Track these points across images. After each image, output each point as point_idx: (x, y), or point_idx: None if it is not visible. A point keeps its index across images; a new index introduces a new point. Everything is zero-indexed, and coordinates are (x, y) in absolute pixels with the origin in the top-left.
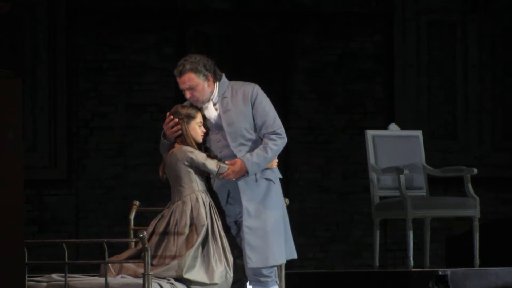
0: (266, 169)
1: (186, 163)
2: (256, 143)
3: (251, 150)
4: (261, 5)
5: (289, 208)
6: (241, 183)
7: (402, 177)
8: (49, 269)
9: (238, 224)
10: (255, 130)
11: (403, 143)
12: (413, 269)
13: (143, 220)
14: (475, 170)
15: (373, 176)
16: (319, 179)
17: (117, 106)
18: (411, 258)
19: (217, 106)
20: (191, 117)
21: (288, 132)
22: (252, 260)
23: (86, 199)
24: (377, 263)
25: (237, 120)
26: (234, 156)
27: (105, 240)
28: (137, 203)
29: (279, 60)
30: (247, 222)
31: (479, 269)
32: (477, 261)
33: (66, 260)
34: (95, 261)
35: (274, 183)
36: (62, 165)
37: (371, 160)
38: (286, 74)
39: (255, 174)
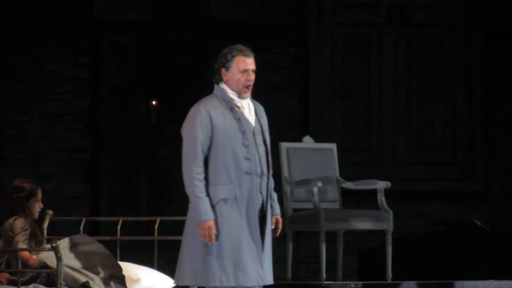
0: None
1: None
2: None
3: None
4: (176, 17)
5: None
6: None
7: (315, 189)
8: None
9: None
10: None
11: (317, 155)
12: (326, 282)
13: (56, 229)
14: (389, 184)
15: (287, 188)
16: None
17: (32, 116)
18: (324, 271)
19: (251, 108)
20: (32, 195)
21: None
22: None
23: (0, 208)
24: (289, 275)
25: (265, 130)
26: (268, 162)
27: (18, 249)
28: (50, 212)
29: (195, 72)
30: (267, 239)
31: (391, 283)
32: (390, 274)
33: None
34: (7, 270)
35: None
36: None
37: (285, 172)
38: (201, 85)
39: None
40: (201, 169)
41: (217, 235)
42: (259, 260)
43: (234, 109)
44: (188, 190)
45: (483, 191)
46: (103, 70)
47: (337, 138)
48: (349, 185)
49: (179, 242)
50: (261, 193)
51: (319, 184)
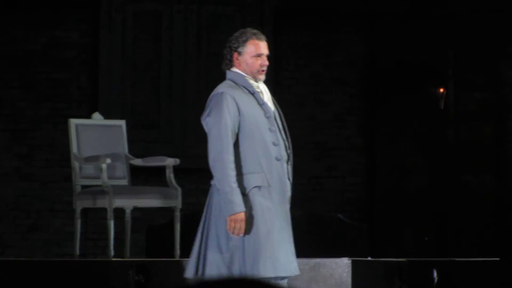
0: None
1: None
2: None
3: None
4: None
5: None
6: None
7: (104, 166)
8: None
9: None
10: None
11: (107, 132)
12: (114, 259)
13: None
14: (177, 161)
15: (76, 164)
16: (21, 167)
17: None
18: (112, 248)
19: (267, 92)
20: None
21: None
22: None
23: None
24: (77, 252)
25: (281, 113)
26: (286, 151)
27: None
28: None
29: None
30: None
31: (180, 260)
32: (178, 251)
33: None
34: None
35: None
36: None
37: (74, 148)
38: None
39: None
40: (232, 158)
41: (248, 227)
42: (291, 249)
43: (256, 94)
44: (221, 180)
45: None
46: None
47: (127, 115)
48: (138, 161)
49: None
50: (288, 179)
51: (108, 160)
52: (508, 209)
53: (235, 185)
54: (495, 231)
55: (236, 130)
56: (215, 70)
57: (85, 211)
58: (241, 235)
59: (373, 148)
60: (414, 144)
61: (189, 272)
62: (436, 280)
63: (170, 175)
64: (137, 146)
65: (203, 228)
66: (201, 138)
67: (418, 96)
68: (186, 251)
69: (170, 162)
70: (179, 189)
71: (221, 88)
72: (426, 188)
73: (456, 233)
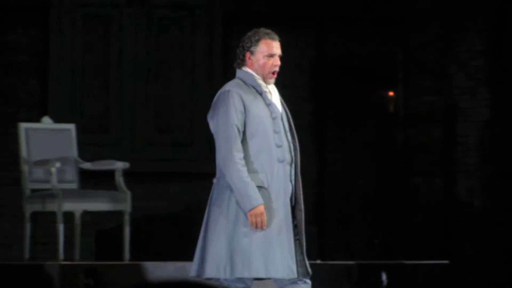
0: None
1: None
2: None
3: None
4: None
5: None
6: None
7: (53, 170)
8: None
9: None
10: None
11: (56, 136)
12: (63, 262)
13: None
14: (127, 164)
15: (25, 168)
16: None
17: None
18: (61, 251)
19: (275, 93)
20: None
21: None
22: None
23: None
24: (27, 256)
25: (289, 114)
26: (296, 149)
27: None
28: None
29: None
30: (301, 230)
31: (129, 263)
32: (127, 255)
33: None
34: None
35: None
36: None
37: (23, 152)
38: None
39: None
40: (242, 154)
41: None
42: (290, 252)
43: (264, 94)
44: (232, 176)
45: None
46: None
47: (76, 119)
48: (87, 165)
49: None
50: (291, 181)
51: (57, 164)
52: (457, 212)
53: (248, 179)
54: (444, 234)
55: (242, 129)
56: (165, 73)
57: (34, 214)
58: (265, 228)
59: (323, 151)
60: (364, 147)
61: (192, 271)
62: (385, 283)
63: (119, 178)
64: (86, 149)
65: (205, 227)
66: (152, 141)
67: (368, 99)
68: (135, 255)
69: (119, 165)
70: (129, 193)
71: (228, 86)
72: (375, 191)
73: (405, 236)
